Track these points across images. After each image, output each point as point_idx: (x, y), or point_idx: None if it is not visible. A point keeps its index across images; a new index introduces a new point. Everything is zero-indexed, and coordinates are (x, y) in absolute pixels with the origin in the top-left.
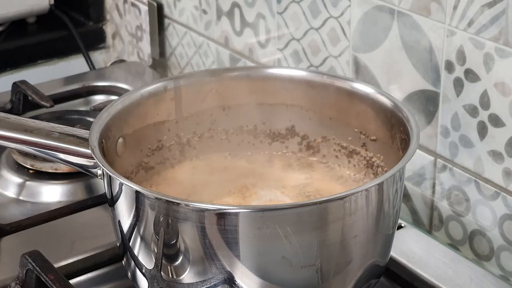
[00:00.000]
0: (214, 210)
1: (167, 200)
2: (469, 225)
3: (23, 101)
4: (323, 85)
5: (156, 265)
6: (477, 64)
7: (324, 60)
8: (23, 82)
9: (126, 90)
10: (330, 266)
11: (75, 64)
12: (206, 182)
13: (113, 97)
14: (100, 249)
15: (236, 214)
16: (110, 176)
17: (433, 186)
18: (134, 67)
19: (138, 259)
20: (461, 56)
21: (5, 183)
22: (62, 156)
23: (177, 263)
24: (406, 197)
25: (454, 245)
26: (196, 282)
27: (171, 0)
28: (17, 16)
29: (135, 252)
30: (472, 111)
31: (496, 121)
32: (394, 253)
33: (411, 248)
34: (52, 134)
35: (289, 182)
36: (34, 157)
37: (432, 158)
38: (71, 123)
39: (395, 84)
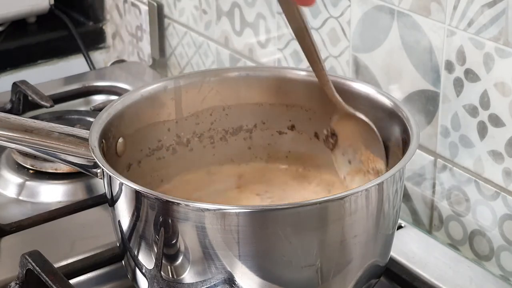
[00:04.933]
0: (214, 210)
1: (167, 200)
2: (469, 225)
3: (23, 101)
4: None
5: (156, 265)
6: (477, 64)
7: (324, 60)
8: (23, 82)
9: (126, 90)
10: (330, 266)
11: (75, 64)
12: (206, 182)
13: (113, 97)
14: (100, 249)
15: (236, 214)
16: (110, 176)
17: (433, 186)
18: (134, 67)
19: (138, 259)
20: (461, 56)
21: (5, 183)
22: (62, 156)
23: (177, 263)
24: (406, 197)
25: (454, 245)
26: (196, 282)
27: (171, 0)
28: (17, 16)
29: (135, 252)
30: (472, 111)
31: (496, 121)
32: (394, 253)
33: (411, 248)
34: (52, 134)
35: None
36: (34, 157)
37: (432, 158)
38: (71, 123)
39: (395, 84)
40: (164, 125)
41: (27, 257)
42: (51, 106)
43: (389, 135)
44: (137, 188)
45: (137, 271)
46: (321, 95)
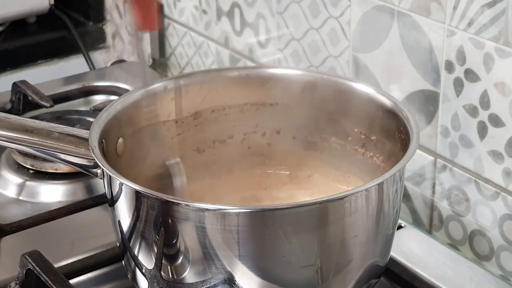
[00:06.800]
0: (214, 210)
1: (167, 200)
2: (469, 225)
3: (23, 101)
4: (323, 85)
5: (156, 265)
6: (477, 64)
7: (324, 60)
8: (23, 82)
9: (126, 90)
10: (330, 266)
11: (75, 64)
12: (206, 181)
13: (113, 97)
14: (100, 249)
15: (236, 214)
16: (110, 176)
17: (433, 186)
18: (134, 67)
19: (138, 259)
20: (461, 56)
21: (5, 183)
22: (62, 156)
23: (177, 263)
24: (406, 197)
25: (454, 245)
26: (196, 282)
27: (171, 0)
28: (17, 16)
29: (135, 252)
30: (472, 111)
31: (496, 121)
32: (394, 253)
33: (411, 248)
34: (52, 134)
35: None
36: (34, 157)
37: (432, 158)
38: (71, 123)
39: (395, 84)
40: (164, 125)
41: (27, 257)
42: (51, 106)
43: (389, 135)
44: (137, 188)
45: (137, 271)
46: (321, 95)
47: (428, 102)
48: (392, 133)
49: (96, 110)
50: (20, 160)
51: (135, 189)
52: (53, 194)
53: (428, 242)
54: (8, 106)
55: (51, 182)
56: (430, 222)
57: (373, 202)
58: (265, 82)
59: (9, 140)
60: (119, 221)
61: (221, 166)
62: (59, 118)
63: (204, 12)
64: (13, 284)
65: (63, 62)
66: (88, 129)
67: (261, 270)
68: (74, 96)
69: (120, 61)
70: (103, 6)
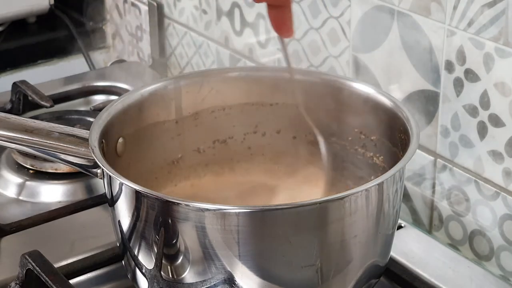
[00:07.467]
0: (214, 210)
1: (167, 200)
2: (469, 225)
3: (23, 101)
4: (323, 85)
5: (156, 265)
6: (477, 64)
7: (324, 60)
8: (23, 82)
9: (126, 90)
10: (330, 266)
11: (75, 64)
12: (206, 181)
13: (113, 97)
14: (100, 249)
15: (236, 214)
16: (110, 176)
17: (433, 186)
18: (134, 67)
19: (138, 259)
20: (461, 56)
21: (5, 183)
22: (62, 156)
23: (177, 263)
24: (406, 197)
25: (454, 245)
26: (196, 282)
27: (171, 0)
28: (17, 16)
29: (135, 252)
30: (472, 111)
31: (496, 121)
32: (394, 253)
33: (411, 248)
34: (52, 134)
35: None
36: (34, 157)
37: (432, 158)
38: (71, 123)
39: (395, 84)
40: (164, 125)
41: (27, 257)
42: (51, 106)
43: (389, 135)
44: (137, 188)
45: (137, 271)
46: (321, 95)
47: (428, 102)
48: (392, 133)
49: (96, 110)
50: (20, 160)
51: (135, 189)
52: (53, 194)
53: (428, 242)
54: (8, 106)
55: (51, 182)
56: (430, 222)
57: (373, 202)
58: (265, 82)
59: (9, 140)
60: (119, 221)
61: (221, 166)
62: (59, 118)
63: (204, 12)
64: (13, 284)
65: (63, 62)
66: (88, 129)
67: (261, 270)
68: (74, 96)
69: (120, 61)
70: (103, 6)
